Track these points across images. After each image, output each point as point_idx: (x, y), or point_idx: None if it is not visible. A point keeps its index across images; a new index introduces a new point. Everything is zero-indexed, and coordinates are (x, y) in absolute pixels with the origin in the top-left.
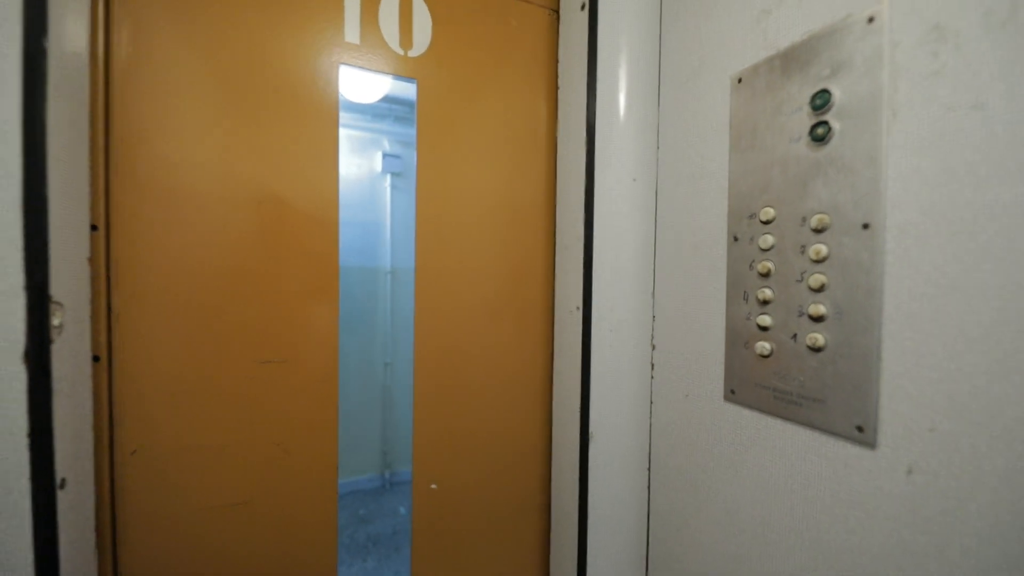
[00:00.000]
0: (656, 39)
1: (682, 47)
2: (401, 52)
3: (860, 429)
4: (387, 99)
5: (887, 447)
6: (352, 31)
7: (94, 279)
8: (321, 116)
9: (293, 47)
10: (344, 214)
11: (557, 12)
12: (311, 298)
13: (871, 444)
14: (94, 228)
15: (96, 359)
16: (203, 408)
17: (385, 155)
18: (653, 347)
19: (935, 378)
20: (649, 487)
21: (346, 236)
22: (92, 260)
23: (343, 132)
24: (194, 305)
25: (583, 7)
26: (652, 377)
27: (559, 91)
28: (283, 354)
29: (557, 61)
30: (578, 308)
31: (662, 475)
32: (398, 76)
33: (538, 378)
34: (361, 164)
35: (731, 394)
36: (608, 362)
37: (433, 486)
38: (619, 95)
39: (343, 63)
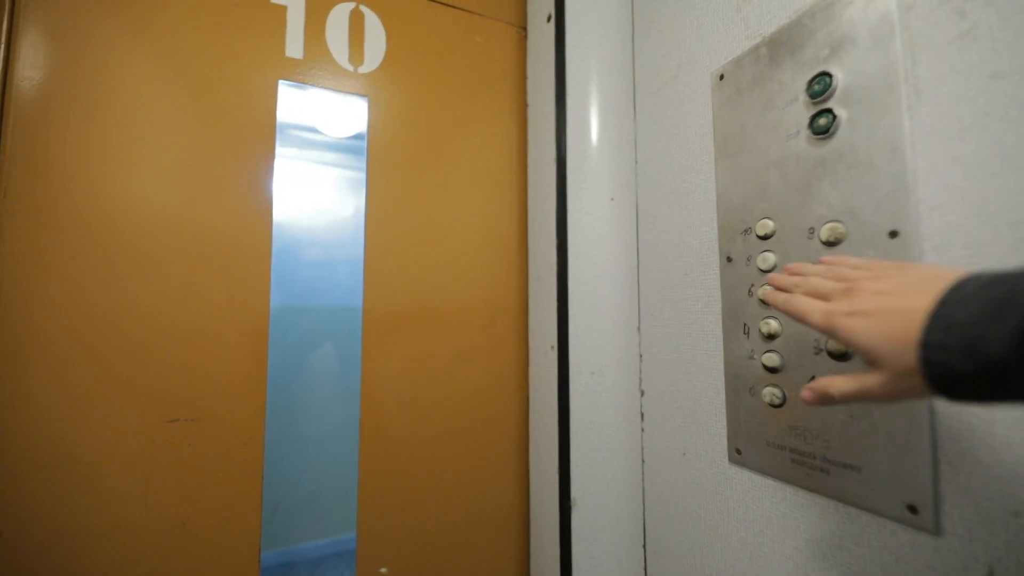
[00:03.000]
0: (629, 46)
1: (657, 50)
2: (351, 68)
3: (912, 509)
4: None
5: (956, 536)
6: (295, 45)
7: None
8: (255, 137)
9: (225, 61)
10: (336, 253)
11: (524, 28)
12: (235, 343)
13: (931, 530)
14: None
15: None
16: (90, 481)
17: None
18: (642, 393)
19: (1019, 439)
20: (646, 568)
21: (338, 276)
22: None
23: (336, 172)
24: (85, 356)
25: (549, 19)
26: (642, 430)
27: (528, 110)
28: (196, 411)
29: (526, 79)
30: (553, 347)
31: (660, 554)
32: (347, 92)
33: (512, 432)
34: (356, 204)
35: (737, 454)
36: (590, 411)
37: (383, 571)
38: (591, 109)
39: (283, 79)
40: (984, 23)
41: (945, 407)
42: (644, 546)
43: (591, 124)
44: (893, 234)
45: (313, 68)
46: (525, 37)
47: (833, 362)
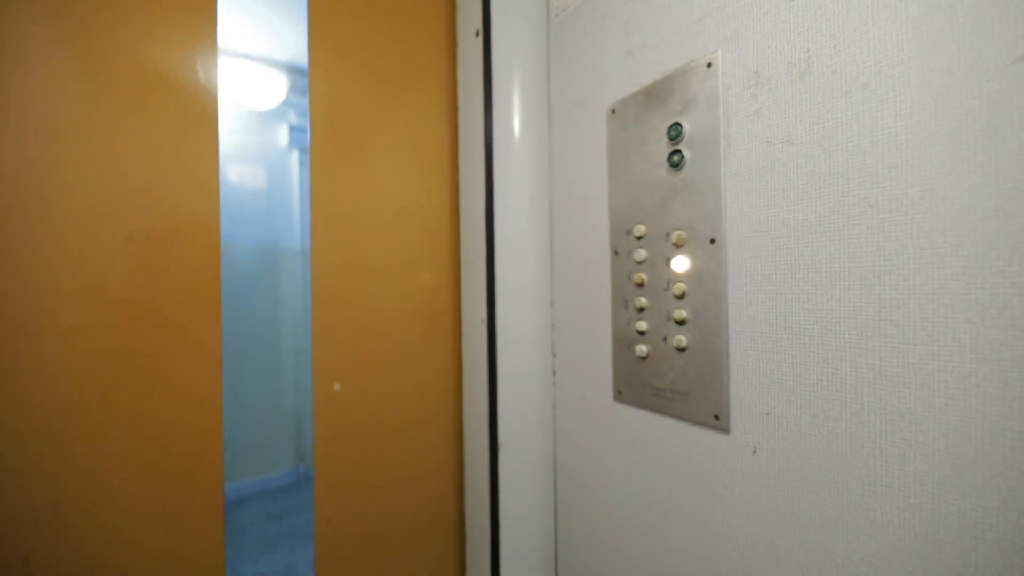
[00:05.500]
0: (545, 70)
1: (568, 78)
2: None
3: (717, 417)
4: (293, 69)
5: (737, 431)
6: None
7: None
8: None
9: None
10: (247, 191)
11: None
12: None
13: (726, 430)
14: None
15: None
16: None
17: (292, 128)
18: (554, 355)
19: (768, 369)
20: (555, 491)
21: (250, 214)
22: None
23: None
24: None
25: (477, 34)
26: (554, 383)
27: (459, 112)
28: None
29: (456, 84)
30: (483, 321)
31: (566, 478)
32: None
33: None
34: (264, 138)
35: (619, 394)
36: (513, 371)
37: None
38: (514, 119)
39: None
40: (767, 107)
41: (736, 352)
42: (554, 469)
43: (514, 132)
44: (712, 241)
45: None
46: (456, 46)
47: (677, 326)
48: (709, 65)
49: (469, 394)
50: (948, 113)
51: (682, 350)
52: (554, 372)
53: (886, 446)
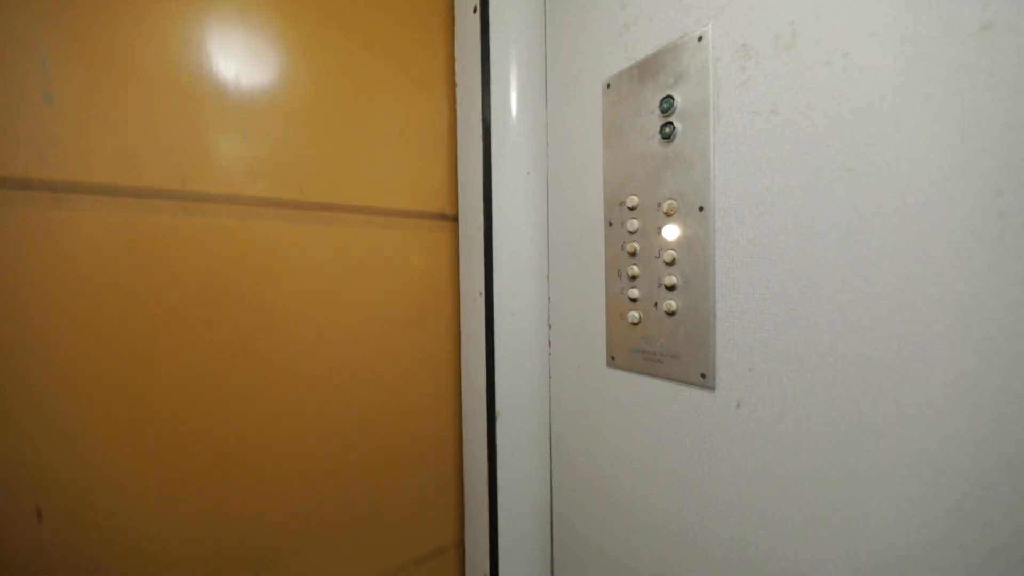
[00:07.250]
0: (542, 45)
1: (563, 53)
2: None
3: (703, 376)
4: None
5: (722, 388)
6: None
7: None
8: None
9: None
10: None
11: (452, 17)
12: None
13: (712, 387)
14: None
15: None
16: None
17: None
18: (550, 326)
19: (751, 328)
20: (551, 455)
21: None
22: None
23: None
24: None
25: (475, 10)
26: (550, 353)
27: (457, 89)
28: None
29: (454, 60)
30: (481, 294)
31: (561, 443)
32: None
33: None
34: None
35: (612, 360)
36: (511, 343)
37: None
38: (511, 95)
39: None
40: (754, 78)
41: (723, 314)
42: (550, 439)
43: (511, 108)
44: (701, 209)
45: None
46: (453, 22)
47: (667, 292)
48: (700, 38)
49: (467, 367)
50: (922, 79)
51: (672, 314)
52: (550, 343)
53: (859, 394)
